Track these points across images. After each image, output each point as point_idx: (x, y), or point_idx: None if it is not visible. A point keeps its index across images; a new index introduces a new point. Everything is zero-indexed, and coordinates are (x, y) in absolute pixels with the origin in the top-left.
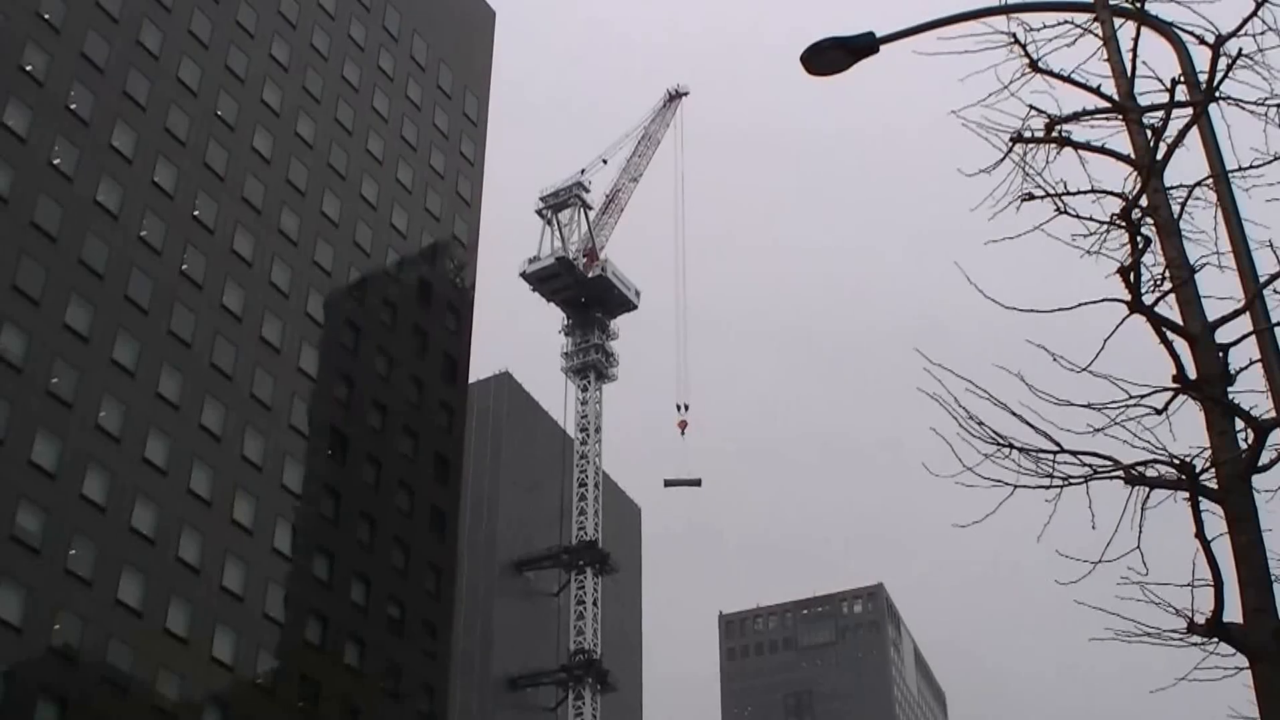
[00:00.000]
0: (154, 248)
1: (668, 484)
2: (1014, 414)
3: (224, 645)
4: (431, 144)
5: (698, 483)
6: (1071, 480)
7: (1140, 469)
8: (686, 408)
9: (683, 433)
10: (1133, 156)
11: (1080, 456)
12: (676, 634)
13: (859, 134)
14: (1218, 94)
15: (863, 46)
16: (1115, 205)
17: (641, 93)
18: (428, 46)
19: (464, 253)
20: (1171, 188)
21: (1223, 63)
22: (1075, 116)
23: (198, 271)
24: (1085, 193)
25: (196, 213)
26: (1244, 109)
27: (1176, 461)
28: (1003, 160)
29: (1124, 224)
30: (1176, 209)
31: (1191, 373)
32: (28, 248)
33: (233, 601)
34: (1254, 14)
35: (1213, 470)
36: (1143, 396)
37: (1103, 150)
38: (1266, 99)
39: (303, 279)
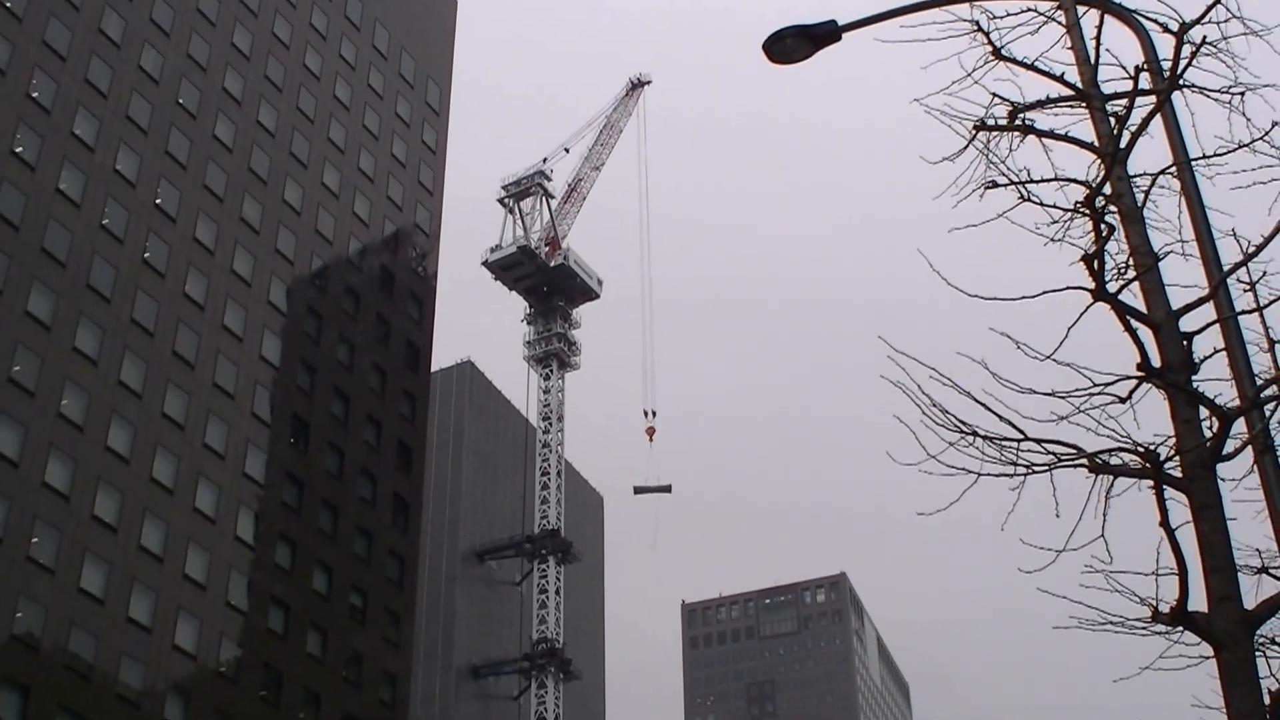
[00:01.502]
0: (116, 235)
1: (637, 491)
2: (978, 402)
3: (186, 633)
4: (393, 132)
5: (668, 489)
6: (1035, 469)
7: (1104, 457)
8: (654, 414)
9: (650, 439)
10: (1096, 144)
11: (1044, 445)
12: (639, 623)
13: (823, 121)
14: (1181, 81)
15: (824, 34)
16: (1079, 193)
17: (604, 81)
18: (389, 35)
19: (426, 241)
20: (1135, 175)
21: (1186, 50)
22: (1039, 104)
23: (160, 259)
24: (1049, 180)
25: (159, 200)
26: (1208, 96)
27: (1141, 450)
28: (966, 148)
29: (1088, 212)
30: (1140, 197)
31: (1155, 361)
32: None
33: (195, 590)
34: (1217, 1)
35: (1177, 459)
36: (1107, 385)
37: (1066, 138)
38: (1230, 86)
39: (264, 267)
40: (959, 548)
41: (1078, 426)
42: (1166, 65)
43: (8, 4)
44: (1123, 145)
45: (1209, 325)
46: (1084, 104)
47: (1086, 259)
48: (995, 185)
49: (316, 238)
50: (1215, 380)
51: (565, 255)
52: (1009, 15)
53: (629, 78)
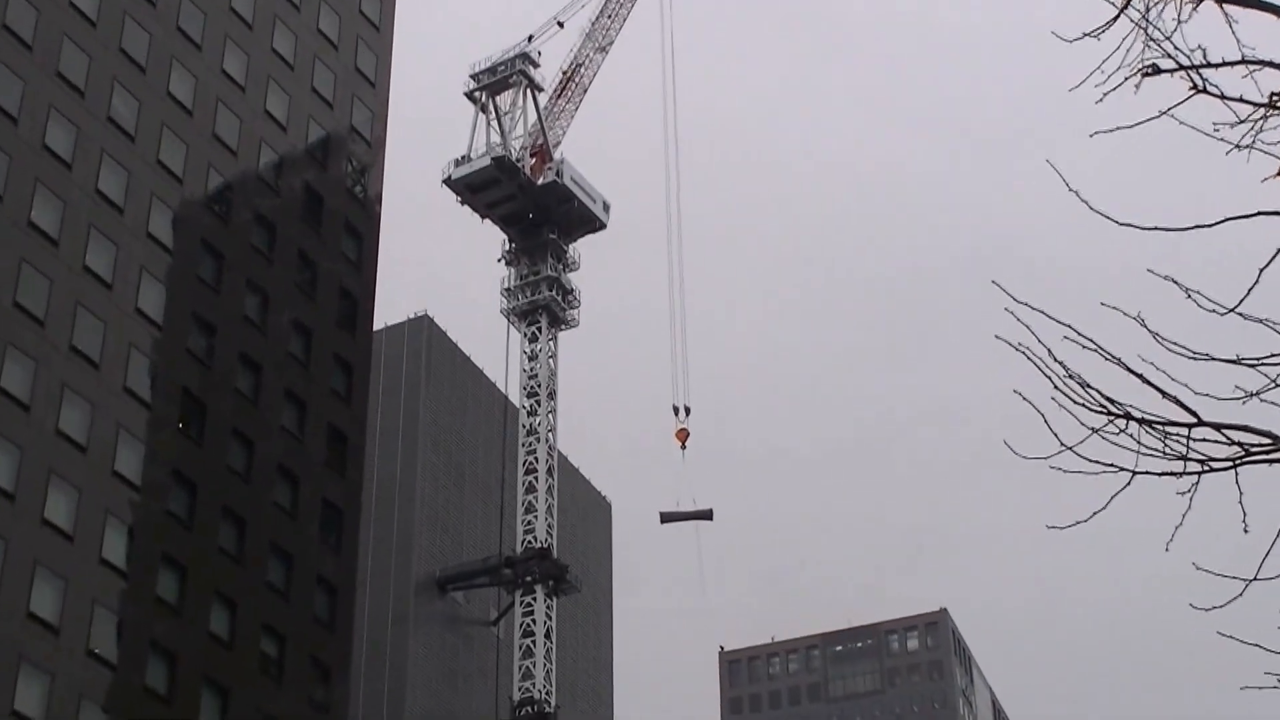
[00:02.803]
0: None
1: (666, 519)
2: (1132, 372)
3: (30, 693)
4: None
5: (708, 515)
6: (1214, 464)
7: None
8: (687, 411)
9: (683, 446)
10: None
11: (1226, 431)
12: (662, 677)
13: None
14: None
15: None
16: (1276, 81)
17: None
18: None
19: (367, 151)
20: None
21: None
22: None
23: None
24: (1233, 64)
25: None
26: None
27: None
28: (1116, 19)
29: None
30: None
31: None
32: None
33: (44, 633)
34: None
35: None
36: None
37: (1259, 4)
38: None
39: (142, 186)
40: (1102, 576)
41: (1273, 406)
42: None
43: None
44: None
45: None
46: None
47: None
48: (1157, 71)
49: (215, 146)
50: None
51: (559, 170)
52: None
53: None
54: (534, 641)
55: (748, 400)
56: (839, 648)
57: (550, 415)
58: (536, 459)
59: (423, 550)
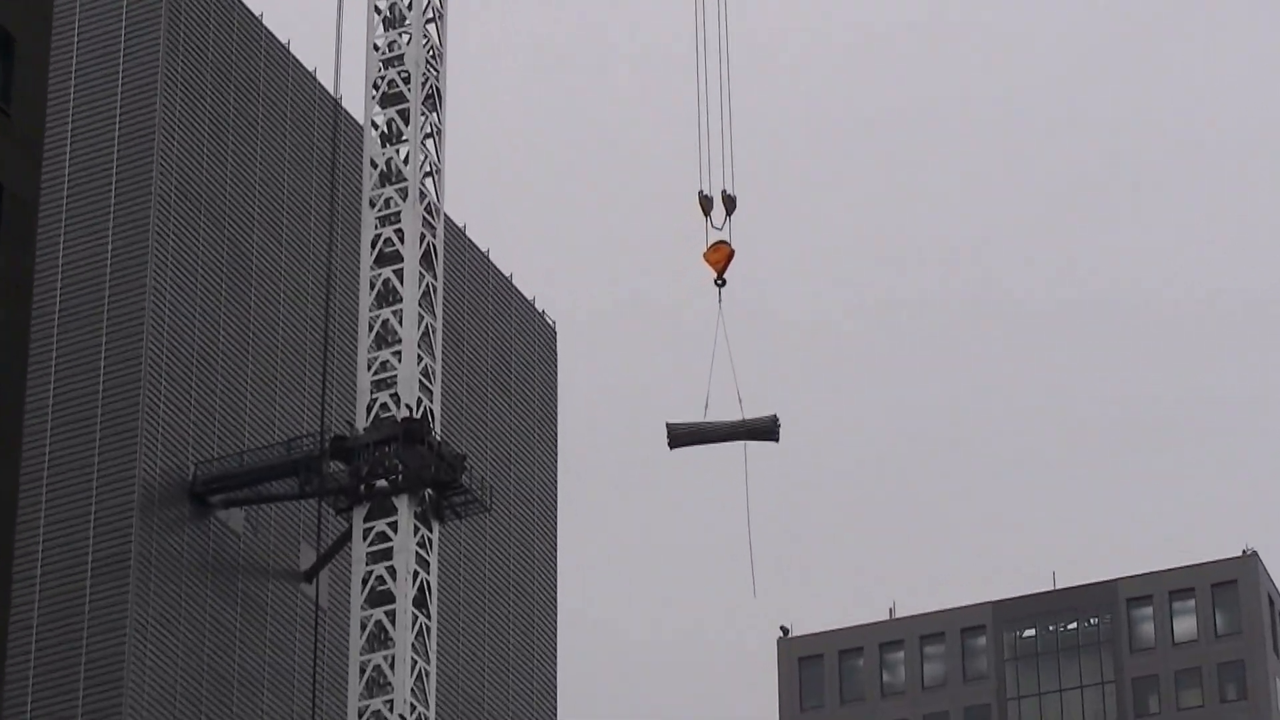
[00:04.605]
0: None
1: (678, 441)
2: None
3: None
4: None
5: (770, 431)
6: None
7: None
8: (730, 206)
9: (720, 278)
10: None
11: None
12: (660, 687)
13: None
14: None
15: None
16: None
17: None
18: None
19: None
20: None
21: None
22: None
23: None
24: None
25: None
26: None
27: None
28: None
29: None
30: None
31: None
32: None
33: None
34: None
35: None
36: None
37: None
38: None
39: None
40: None
41: None
42: None
43: None
44: None
45: None
46: None
47: None
48: None
49: None
50: None
51: None
52: None
53: None
54: (392, 614)
55: (833, 188)
56: (1028, 631)
57: (430, 142)
58: (401, 232)
59: (161, 423)
